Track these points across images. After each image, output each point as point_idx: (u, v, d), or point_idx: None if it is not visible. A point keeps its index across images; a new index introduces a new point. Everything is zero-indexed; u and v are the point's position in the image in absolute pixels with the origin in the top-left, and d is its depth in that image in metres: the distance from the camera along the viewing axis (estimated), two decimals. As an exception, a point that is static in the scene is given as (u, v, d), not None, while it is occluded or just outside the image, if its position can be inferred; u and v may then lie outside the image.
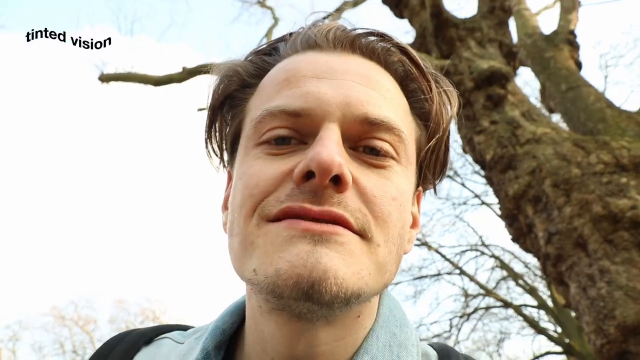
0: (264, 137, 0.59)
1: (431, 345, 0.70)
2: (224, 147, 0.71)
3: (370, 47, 0.64)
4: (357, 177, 0.56)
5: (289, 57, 0.65)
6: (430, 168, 0.69)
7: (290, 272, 0.50)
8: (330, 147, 0.53)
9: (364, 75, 0.61)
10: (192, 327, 0.77)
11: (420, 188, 0.70)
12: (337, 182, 0.53)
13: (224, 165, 0.73)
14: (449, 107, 0.68)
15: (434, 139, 0.66)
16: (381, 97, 0.60)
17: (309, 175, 0.53)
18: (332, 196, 0.53)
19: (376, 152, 0.58)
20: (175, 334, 0.74)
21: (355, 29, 0.65)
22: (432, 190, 0.75)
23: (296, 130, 0.58)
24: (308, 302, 0.51)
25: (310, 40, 0.64)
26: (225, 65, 0.69)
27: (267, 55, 0.68)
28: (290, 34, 0.68)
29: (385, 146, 0.59)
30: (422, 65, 0.66)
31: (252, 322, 0.62)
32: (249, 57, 0.69)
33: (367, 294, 0.55)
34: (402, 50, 0.66)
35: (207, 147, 0.72)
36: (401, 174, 0.60)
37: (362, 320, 0.61)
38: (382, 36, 0.66)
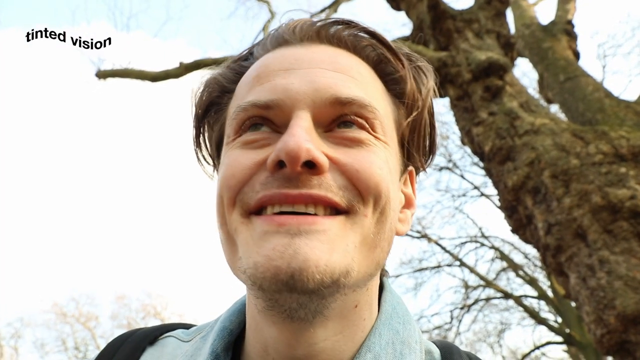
0: (239, 130, 0.60)
1: (434, 342, 0.70)
2: (213, 153, 0.72)
3: (337, 35, 0.64)
4: (336, 157, 0.56)
5: (261, 57, 0.66)
6: (414, 145, 0.68)
7: (267, 265, 0.50)
8: (297, 134, 0.53)
9: (331, 61, 0.61)
10: (194, 325, 0.77)
11: (411, 168, 0.70)
12: (312, 166, 0.53)
13: (217, 172, 0.74)
14: (425, 82, 0.67)
15: (412, 115, 0.66)
16: (350, 78, 0.60)
17: (281, 164, 0.53)
18: (310, 180, 0.54)
19: (350, 125, 0.58)
20: (179, 332, 0.73)
21: (321, 20, 0.66)
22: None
23: (270, 121, 0.59)
24: (293, 294, 0.51)
25: (279, 38, 0.65)
26: (205, 75, 0.71)
27: (244, 60, 0.69)
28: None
29: (360, 120, 0.59)
30: (392, 46, 0.66)
31: (253, 321, 0.62)
32: (227, 65, 0.70)
33: (357, 271, 0.54)
34: (371, 34, 0.66)
35: (197, 156, 0.73)
36: (381, 148, 0.59)
37: (360, 310, 0.60)
38: (349, 23, 0.66)
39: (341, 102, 0.57)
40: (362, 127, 0.58)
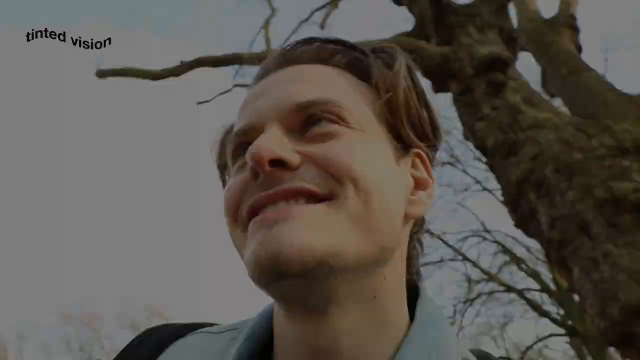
0: (232, 160, 0.65)
1: (471, 350, 0.69)
2: None
3: (301, 54, 0.68)
4: (309, 151, 0.58)
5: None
6: (402, 126, 0.66)
7: (252, 260, 0.53)
8: (260, 140, 0.56)
9: (295, 76, 0.64)
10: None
11: (417, 150, 0.68)
12: (284, 165, 0.56)
13: None
14: (394, 63, 0.67)
15: (385, 96, 0.66)
16: (311, 84, 0.63)
17: (256, 173, 0.57)
18: (283, 177, 0.56)
19: (319, 122, 0.60)
20: (209, 328, 0.74)
21: (286, 47, 0.70)
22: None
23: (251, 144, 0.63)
24: (281, 281, 0.53)
25: (257, 76, 0.71)
26: (220, 131, 0.76)
27: None
28: None
29: (327, 115, 0.60)
30: (354, 43, 0.69)
31: (279, 327, 0.63)
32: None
33: (352, 253, 0.54)
34: (333, 41, 0.69)
35: None
36: (354, 135, 0.60)
37: (380, 301, 0.59)
38: (311, 39, 0.70)
39: (302, 106, 0.60)
40: (331, 121, 0.60)
